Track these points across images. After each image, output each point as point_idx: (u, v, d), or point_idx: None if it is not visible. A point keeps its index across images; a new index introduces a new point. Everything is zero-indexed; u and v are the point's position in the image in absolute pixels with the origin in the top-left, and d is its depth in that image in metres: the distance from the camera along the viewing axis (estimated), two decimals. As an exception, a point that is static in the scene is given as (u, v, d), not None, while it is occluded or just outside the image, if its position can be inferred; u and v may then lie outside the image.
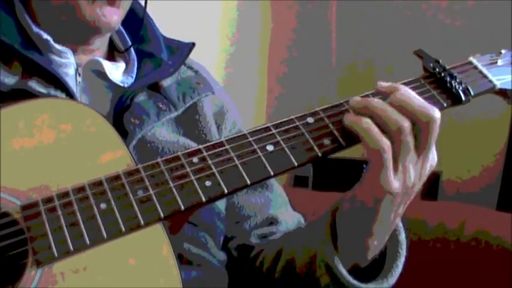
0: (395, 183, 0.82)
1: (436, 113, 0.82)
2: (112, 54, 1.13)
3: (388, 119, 0.81)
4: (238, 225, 1.12)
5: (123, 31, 1.13)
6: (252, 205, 1.13)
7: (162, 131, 1.04)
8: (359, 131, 0.82)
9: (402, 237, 0.93)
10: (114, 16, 1.01)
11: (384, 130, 0.81)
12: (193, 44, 1.16)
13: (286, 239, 1.06)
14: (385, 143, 0.80)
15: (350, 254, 0.90)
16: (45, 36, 1.01)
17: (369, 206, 0.85)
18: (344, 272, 0.89)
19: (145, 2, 1.12)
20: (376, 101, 0.83)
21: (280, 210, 1.15)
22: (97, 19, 0.99)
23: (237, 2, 2.61)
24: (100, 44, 1.07)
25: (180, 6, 2.15)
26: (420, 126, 0.81)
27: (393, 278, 0.92)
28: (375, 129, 0.81)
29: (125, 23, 1.10)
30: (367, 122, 0.81)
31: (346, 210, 0.89)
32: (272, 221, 1.13)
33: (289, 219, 1.14)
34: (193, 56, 1.20)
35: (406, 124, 0.81)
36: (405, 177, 0.83)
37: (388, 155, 0.81)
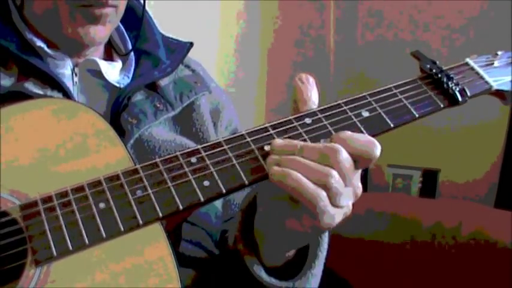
0: (337, 218, 0.77)
1: (378, 150, 0.77)
2: (110, 51, 1.12)
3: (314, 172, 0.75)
4: (233, 220, 1.11)
5: (124, 31, 1.13)
6: None
7: (159, 130, 1.04)
8: (291, 186, 0.75)
9: (324, 237, 0.91)
10: (99, 33, 1.00)
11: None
12: (191, 44, 1.16)
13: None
14: (321, 194, 0.74)
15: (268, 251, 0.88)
16: (39, 43, 1.01)
17: (305, 233, 0.80)
18: (259, 272, 0.87)
19: (144, 2, 1.11)
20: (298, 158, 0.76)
21: None
22: (80, 36, 0.98)
23: (238, 2, 2.61)
24: (94, 48, 1.06)
25: (181, 7, 2.15)
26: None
27: (309, 281, 0.88)
28: (308, 183, 0.74)
29: (125, 21, 1.10)
30: (297, 176, 0.75)
31: (269, 230, 0.84)
32: None
33: None
34: (194, 57, 1.20)
35: (334, 178, 0.74)
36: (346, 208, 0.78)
37: (326, 202, 0.75)
